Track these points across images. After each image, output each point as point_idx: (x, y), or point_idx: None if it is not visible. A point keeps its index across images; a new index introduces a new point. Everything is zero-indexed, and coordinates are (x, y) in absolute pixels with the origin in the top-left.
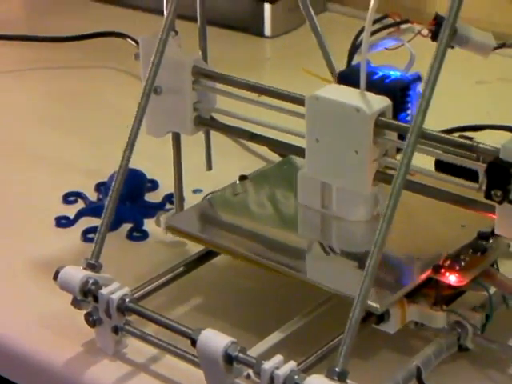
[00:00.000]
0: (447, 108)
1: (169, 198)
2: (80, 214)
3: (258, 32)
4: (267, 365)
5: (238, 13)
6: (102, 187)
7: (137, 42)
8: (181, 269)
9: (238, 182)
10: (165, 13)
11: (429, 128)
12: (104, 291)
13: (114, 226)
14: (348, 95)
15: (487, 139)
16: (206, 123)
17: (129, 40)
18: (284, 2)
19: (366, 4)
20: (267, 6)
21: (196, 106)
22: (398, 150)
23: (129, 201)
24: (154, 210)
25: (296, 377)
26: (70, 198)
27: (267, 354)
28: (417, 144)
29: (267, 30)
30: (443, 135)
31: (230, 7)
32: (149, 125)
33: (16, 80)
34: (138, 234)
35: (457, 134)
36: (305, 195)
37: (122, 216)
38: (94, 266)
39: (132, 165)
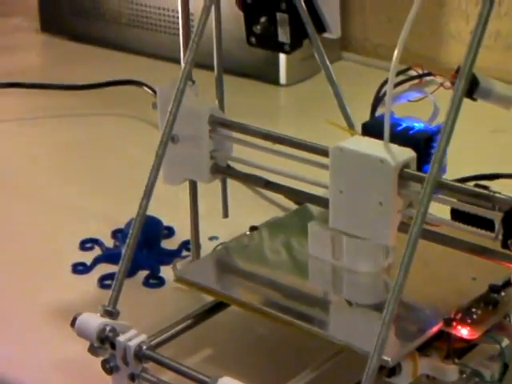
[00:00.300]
0: (461, 156)
1: (185, 245)
2: (97, 261)
3: (274, 80)
4: None
5: (254, 61)
6: (118, 234)
7: (154, 91)
8: (197, 316)
9: (248, 232)
10: (182, 63)
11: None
12: (121, 338)
13: (130, 272)
14: (372, 147)
15: (502, 188)
16: (223, 171)
17: (146, 88)
18: (299, 50)
19: (380, 53)
20: (282, 55)
21: (213, 154)
22: None
23: (145, 248)
24: (170, 257)
25: None
26: (86, 244)
27: None
28: (432, 194)
29: (282, 79)
30: (459, 185)
31: (245, 56)
32: (166, 173)
33: (32, 128)
34: (155, 281)
35: (472, 183)
36: (316, 246)
37: (138, 263)
38: (111, 313)
39: (148, 211)
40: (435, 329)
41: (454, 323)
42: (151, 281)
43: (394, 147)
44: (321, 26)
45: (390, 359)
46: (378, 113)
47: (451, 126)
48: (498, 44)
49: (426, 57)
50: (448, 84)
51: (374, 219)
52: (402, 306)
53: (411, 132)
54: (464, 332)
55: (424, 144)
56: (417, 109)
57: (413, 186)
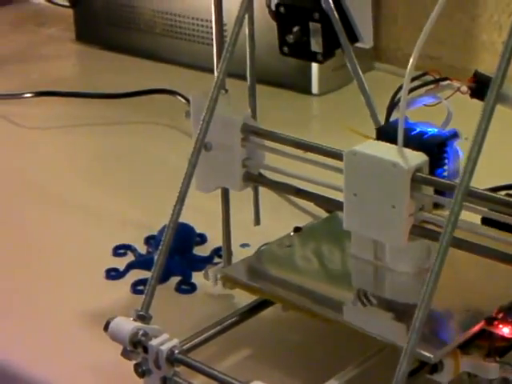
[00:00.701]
0: (491, 166)
1: (217, 252)
2: (130, 267)
3: (306, 90)
4: None
5: (286, 71)
6: (151, 240)
7: (187, 100)
8: (229, 321)
9: (291, 233)
10: (215, 72)
11: (474, 186)
12: (153, 342)
13: (162, 278)
14: (385, 151)
15: None
16: (255, 179)
17: (179, 97)
18: (331, 60)
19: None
20: (315, 65)
21: (245, 162)
22: (435, 205)
23: (178, 254)
24: (202, 263)
25: None
26: (119, 250)
27: None
28: (463, 202)
29: (314, 88)
30: (490, 194)
31: (277, 65)
32: (198, 180)
33: (68, 136)
34: (187, 287)
35: (503, 193)
36: (358, 247)
37: (170, 269)
38: (143, 318)
39: (181, 218)
40: (477, 327)
41: (496, 322)
42: (183, 287)
43: (407, 151)
44: (353, 36)
45: (432, 356)
46: (393, 117)
47: (482, 136)
48: None
49: (460, 68)
50: (465, 88)
51: (386, 221)
52: (444, 306)
53: (425, 137)
54: (506, 331)
55: (437, 148)
56: (432, 114)
57: (425, 190)
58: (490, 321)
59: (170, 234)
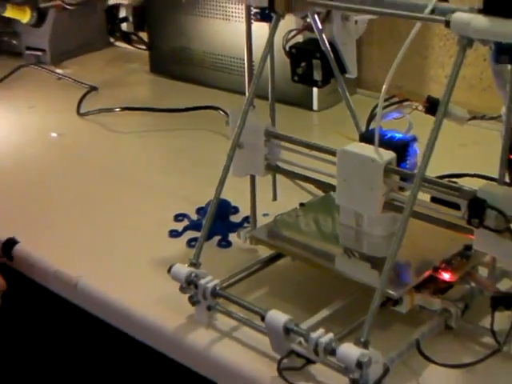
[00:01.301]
0: (439, 161)
1: (246, 219)
2: (185, 229)
3: (309, 107)
4: (313, 335)
5: (295, 93)
6: (201, 210)
7: (226, 113)
8: (254, 268)
9: (298, 207)
10: (246, 94)
11: (427, 175)
12: (202, 281)
13: (208, 237)
14: (366, 150)
15: (466, 183)
16: (273, 169)
17: (221, 112)
18: (327, 86)
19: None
20: (315, 89)
21: (266, 156)
22: (400, 188)
23: (219, 220)
24: (235, 227)
25: (333, 344)
26: (178, 217)
27: (314, 327)
28: (420, 186)
29: (315, 106)
30: (438, 180)
31: (289, 89)
32: (234, 169)
33: (145, 138)
34: (225, 243)
35: (446, 180)
36: (345, 217)
37: (214, 231)
38: (195, 264)
39: (221, 195)
40: (427, 274)
41: (439, 270)
42: (222, 243)
43: (381, 150)
44: (343, 69)
45: (395, 293)
46: (371, 127)
47: (434, 140)
48: (463, 84)
49: (416, 93)
50: (421, 107)
51: (366, 199)
52: (403, 259)
53: (393, 140)
54: (446, 276)
55: (402, 149)
56: (398, 124)
57: (393, 177)
58: (436, 269)
59: (213, 206)
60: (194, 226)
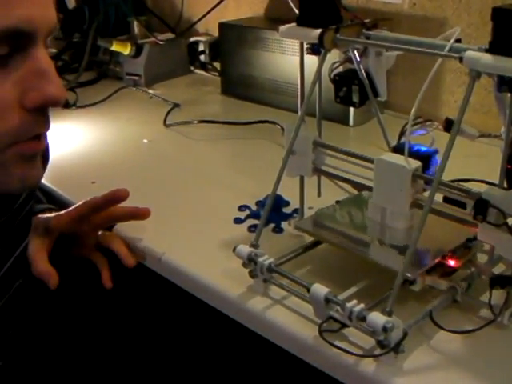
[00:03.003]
0: (451, 168)
1: (296, 211)
2: (247, 217)
3: (346, 123)
4: (348, 305)
5: (335, 111)
6: (259, 203)
7: (282, 127)
8: (300, 250)
9: (335, 203)
10: (299, 112)
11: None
12: (260, 259)
13: (265, 224)
14: (398, 159)
15: (472, 187)
16: (319, 171)
17: (277, 125)
18: (363, 106)
19: (407, 110)
20: (352, 109)
21: (314, 161)
22: (424, 190)
23: (274, 211)
24: (287, 217)
25: (364, 312)
26: (241, 208)
27: (348, 299)
28: (438, 187)
29: (351, 122)
30: (451, 183)
31: (332, 108)
32: (287, 171)
33: (216, 144)
34: (278, 230)
35: (456, 183)
36: (372, 213)
37: (270, 219)
38: (255, 246)
39: (276, 191)
40: (436, 260)
41: (447, 257)
42: (276, 229)
43: (410, 160)
44: (376, 93)
45: (411, 275)
46: (402, 141)
47: (449, 151)
48: (467, 108)
49: (431, 114)
50: (440, 126)
51: (397, 198)
52: (421, 249)
53: (419, 152)
54: (452, 262)
55: (426, 159)
56: (423, 139)
57: (419, 182)
58: (444, 257)
59: (270, 199)
60: (254, 215)
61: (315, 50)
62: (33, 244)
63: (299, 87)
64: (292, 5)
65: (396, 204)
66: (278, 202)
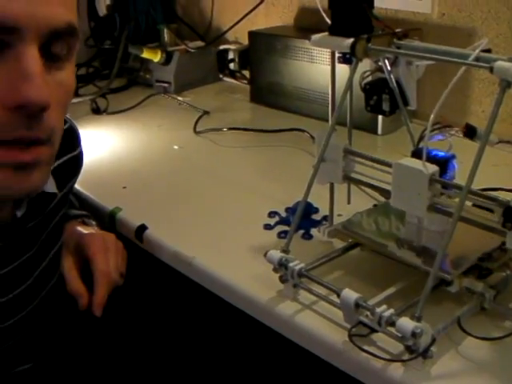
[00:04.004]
0: (479, 177)
1: (325, 218)
2: (277, 223)
3: (374, 131)
4: (378, 310)
5: (364, 120)
6: (289, 209)
7: (311, 136)
8: (330, 256)
9: (372, 207)
10: (330, 121)
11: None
12: (290, 264)
13: (295, 230)
14: (416, 163)
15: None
16: (349, 178)
17: (306, 133)
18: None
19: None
20: (380, 117)
21: (344, 168)
22: (442, 194)
23: (304, 218)
24: (316, 223)
25: (393, 317)
26: (271, 214)
27: (378, 304)
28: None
29: (379, 131)
30: (480, 192)
31: (361, 117)
32: (318, 178)
33: (245, 151)
34: (308, 236)
35: (484, 192)
36: (410, 216)
37: (300, 226)
38: (285, 251)
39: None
40: (472, 263)
41: (483, 260)
42: (306, 236)
43: (428, 164)
44: (406, 102)
45: (449, 277)
46: (420, 145)
47: (477, 162)
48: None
49: (459, 124)
50: (460, 132)
51: (414, 202)
52: (454, 252)
53: (437, 157)
54: (488, 265)
55: (444, 164)
56: (441, 145)
57: (436, 186)
58: (480, 259)
59: (301, 206)
60: (284, 221)
61: (346, 59)
62: (66, 261)
63: (330, 96)
64: (324, 14)
65: (414, 207)
66: (308, 209)
